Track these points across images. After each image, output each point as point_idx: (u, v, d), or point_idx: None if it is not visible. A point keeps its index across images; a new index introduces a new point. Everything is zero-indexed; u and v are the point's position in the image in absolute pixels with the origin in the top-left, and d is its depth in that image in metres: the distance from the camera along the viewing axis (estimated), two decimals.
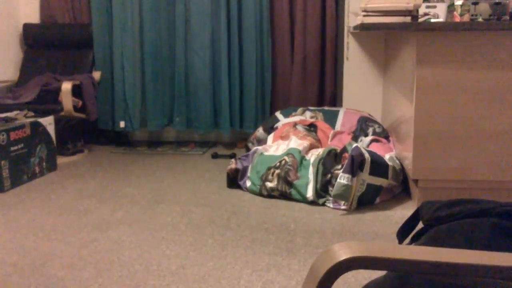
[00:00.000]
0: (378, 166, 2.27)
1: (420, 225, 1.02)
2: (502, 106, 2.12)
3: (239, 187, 2.57)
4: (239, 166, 2.58)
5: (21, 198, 2.45)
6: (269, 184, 2.40)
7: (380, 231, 1.99)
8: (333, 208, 2.26)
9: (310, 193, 2.32)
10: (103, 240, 1.92)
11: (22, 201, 2.41)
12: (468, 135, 2.15)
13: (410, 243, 1.01)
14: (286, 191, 2.37)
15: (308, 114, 3.02)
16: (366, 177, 2.23)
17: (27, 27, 3.52)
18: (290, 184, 2.37)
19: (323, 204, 2.30)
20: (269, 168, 2.45)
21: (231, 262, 1.72)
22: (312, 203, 2.31)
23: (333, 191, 2.23)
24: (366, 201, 2.27)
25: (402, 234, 1.07)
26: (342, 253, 0.59)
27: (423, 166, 2.18)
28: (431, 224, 0.98)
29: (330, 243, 1.87)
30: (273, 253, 1.78)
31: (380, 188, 2.29)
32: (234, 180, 2.59)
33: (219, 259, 1.74)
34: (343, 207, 2.24)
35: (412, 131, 2.17)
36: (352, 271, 0.60)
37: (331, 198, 2.28)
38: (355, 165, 2.19)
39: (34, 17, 3.63)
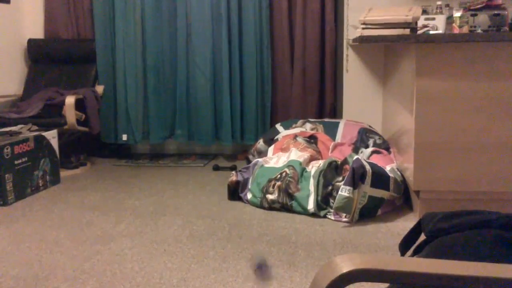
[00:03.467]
0: (380, 178, 2.28)
1: (422, 237, 1.02)
2: (502, 117, 2.13)
3: (240, 199, 2.57)
4: (240, 178, 2.59)
5: (25, 211, 2.45)
6: (270, 197, 2.40)
7: (382, 243, 1.99)
8: (335, 220, 2.25)
9: (311, 205, 2.32)
10: (105, 252, 1.92)
11: (26, 214, 2.41)
12: (469, 146, 2.15)
13: (412, 255, 1.01)
14: (287, 203, 2.37)
15: (308, 126, 3.03)
16: (367, 190, 2.23)
17: (31, 43, 3.56)
18: (291, 196, 2.37)
19: (324, 216, 2.30)
20: (269, 180, 2.46)
21: (233, 274, 1.71)
22: (313, 215, 2.31)
23: (334, 203, 2.23)
24: (368, 213, 2.27)
25: (404, 246, 1.07)
26: (344, 266, 0.59)
27: (424, 177, 2.18)
28: (433, 235, 0.98)
29: (332, 256, 1.86)
30: (274, 266, 1.78)
31: (381, 200, 2.29)
32: (235, 192, 2.59)
33: (221, 272, 1.73)
34: (344, 219, 2.24)
35: (413, 142, 2.18)
36: (354, 283, 0.60)
37: (332, 210, 2.28)
38: (356, 177, 2.20)
39: (38, 33, 3.67)
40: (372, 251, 1.92)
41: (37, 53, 3.56)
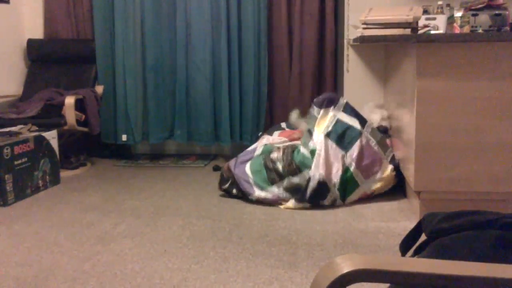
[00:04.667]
0: (353, 111, 2.43)
1: (423, 237, 1.02)
2: (503, 117, 2.12)
3: (230, 195, 2.58)
4: (232, 164, 2.59)
5: (25, 212, 2.45)
6: (274, 155, 2.45)
7: (382, 243, 1.98)
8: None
9: (303, 150, 2.38)
10: (105, 253, 1.91)
11: (26, 214, 2.41)
12: (469, 146, 2.15)
13: (413, 255, 1.01)
14: (290, 160, 2.40)
15: None
16: (338, 113, 2.31)
17: (31, 43, 3.56)
18: (293, 150, 2.43)
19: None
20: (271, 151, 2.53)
21: (233, 275, 1.71)
22: (313, 208, 2.31)
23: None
24: (337, 137, 2.35)
25: (405, 246, 1.06)
26: (345, 266, 0.59)
27: (425, 177, 2.18)
28: (434, 236, 0.98)
29: (333, 256, 1.86)
30: (275, 266, 1.78)
31: (353, 128, 2.38)
32: (226, 180, 2.59)
33: (221, 272, 1.73)
34: (310, 145, 2.32)
35: (414, 142, 2.18)
36: (355, 284, 0.60)
37: (309, 144, 2.34)
38: (326, 102, 2.39)
39: (38, 33, 3.67)
40: (372, 252, 1.91)
41: (37, 53, 3.56)
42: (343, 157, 2.31)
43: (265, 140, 2.85)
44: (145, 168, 3.36)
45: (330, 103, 2.34)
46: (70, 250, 1.95)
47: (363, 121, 2.40)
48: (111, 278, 1.70)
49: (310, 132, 2.42)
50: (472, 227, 0.94)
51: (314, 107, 2.41)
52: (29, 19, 3.66)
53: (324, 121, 2.34)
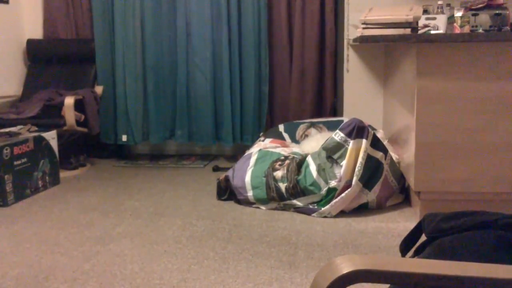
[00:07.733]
0: (379, 142, 2.35)
1: (423, 238, 1.01)
2: (503, 117, 2.12)
3: (230, 198, 2.56)
4: (230, 173, 2.57)
5: (24, 212, 2.45)
6: (278, 173, 2.38)
7: (382, 244, 1.98)
8: (335, 186, 2.25)
9: (315, 174, 2.32)
10: (105, 253, 1.91)
11: (25, 215, 2.41)
12: (470, 146, 2.15)
13: (413, 256, 1.01)
14: (295, 180, 2.35)
15: (313, 131, 3.02)
16: (368, 148, 2.26)
17: (30, 43, 3.56)
18: (299, 171, 2.38)
19: (327, 195, 2.28)
20: (274, 161, 2.46)
21: (233, 275, 1.71)
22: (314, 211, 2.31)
23: (323, 143, 2.31)
24: (367, 178, 2.29)
25: (405, 246, 1.06)
26: (345, 266, 0.59)
27: (425, 177, 2.18)
28: (434, 236, 0.98)
29: (332, 256, 1.86)
30: (275, 267, 1.77)
31: (379, 164, 2.31)
32: (225, 191, 2.58)
33: (221, 273, 1.73)
34: (333, 183, 2.24)
35: (414, 142, 2.17)
36: (355, 284, 0.60)
37: (332, 181, 2.28)
38: (355, 131, 2.26)
39: (37, 33, 3.67)
40: (372, 252, 1.91)
41: (36, 54, 3.56)
42: (366, 194, 2.32)
43: (257, 145, 2.83)
44: (145, 169, 3.36)
45: (360, 133, 2.26)
46: (70, 250, 1.95)
47: (385, 152, 2.37)
48: (110, 278, 1.70)
49: (332, 159, 2.30)
50: (472, 228, 0.94)
51: (340, 133, 2.29)
52: (28, 19, 3.66)
53: (354, 154, 2.24)
